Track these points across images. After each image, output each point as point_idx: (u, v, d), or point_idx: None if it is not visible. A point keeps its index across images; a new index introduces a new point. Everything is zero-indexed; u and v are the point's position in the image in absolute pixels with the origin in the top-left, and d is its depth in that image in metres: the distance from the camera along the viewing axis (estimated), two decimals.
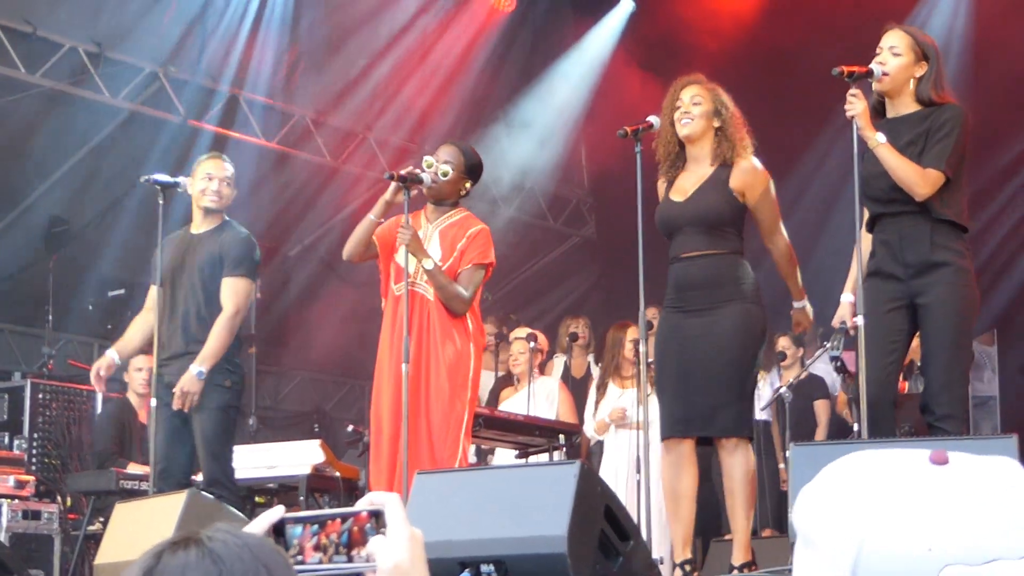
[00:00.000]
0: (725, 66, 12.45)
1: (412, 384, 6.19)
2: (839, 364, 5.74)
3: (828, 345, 5.82)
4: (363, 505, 1.82)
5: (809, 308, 6.00)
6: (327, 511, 1.83)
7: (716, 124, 5.80)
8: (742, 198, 5.75)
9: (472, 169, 6.51)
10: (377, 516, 1.79)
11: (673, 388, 5.64)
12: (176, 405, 6.56)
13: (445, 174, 6.36)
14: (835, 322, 5.81)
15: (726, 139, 5.78)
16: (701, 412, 5.66)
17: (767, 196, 5.79)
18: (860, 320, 5.31)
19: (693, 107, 5.79)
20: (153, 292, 6.95)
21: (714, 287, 5.70)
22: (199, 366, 6.59)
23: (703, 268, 5.72)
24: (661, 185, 5.91)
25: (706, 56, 12.78)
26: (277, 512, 1.82)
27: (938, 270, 5.45)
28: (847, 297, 5.76)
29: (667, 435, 5.71)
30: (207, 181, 6.86)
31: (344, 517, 1.80)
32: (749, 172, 5.77)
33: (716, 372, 5.64)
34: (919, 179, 5.42)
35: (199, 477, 6.98)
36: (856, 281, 5.69)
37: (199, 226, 6.93)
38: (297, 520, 1.81)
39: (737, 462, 5.68)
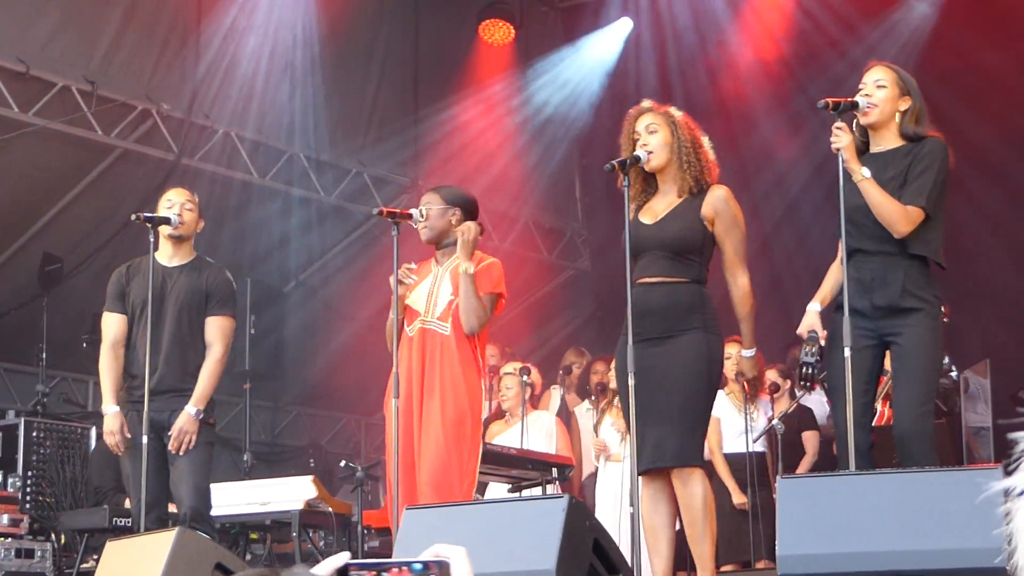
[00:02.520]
0: (724, 98, 12.56)
1: (429, 417, 6.28)
2: (808, 371, 5.65)
3: (802, 351, 5.74)
4: (428, 556, 1.82)
5: (754, 360, 5.97)
6: (392, 559, 1.84)
7: (674, 147, 5.82)
8: (711, 226, 5.77)
9: (455, 201, 6.54)
10: (442, 567, 1.79)
11: (634, 420, 5.62)
12: (173, 447, 6.56)
13: (425, 214, 6.44)
14: (802, 330, 5.76)
15: (686, 163, 5.80)
16: (654, 442, 5.65)
17: (736, 226, 5.78)
18: (847, 352, 5.31)
19: (650, 136, 5.82)
20: (110, 320, 6.90)
21: (671, 315, 5.68)
22: (195, 406, 6.63)
23: (662, 295, 5.72)
24: (631, 211, 5.90)
25: (705, 88, 12.87)
26: (342, 557, 1.83)
27: (908, 315, 5.48)
28: (814, 306, 5.75)
29: (640, 469, 5.69)
30: (168, 209, 6.89)
31: (409, 565, 1.81)
32: (721, 200, 5.79)
33: (669, 401, 5.63)
34: (900, 216, 5.44)
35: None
36: (827, 294, 5.72)
37: (171, 258, 6.93)
38: (362, 567, 1.82)
39: (693, 492, 5.64)
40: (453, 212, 6.53)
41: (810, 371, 5.68)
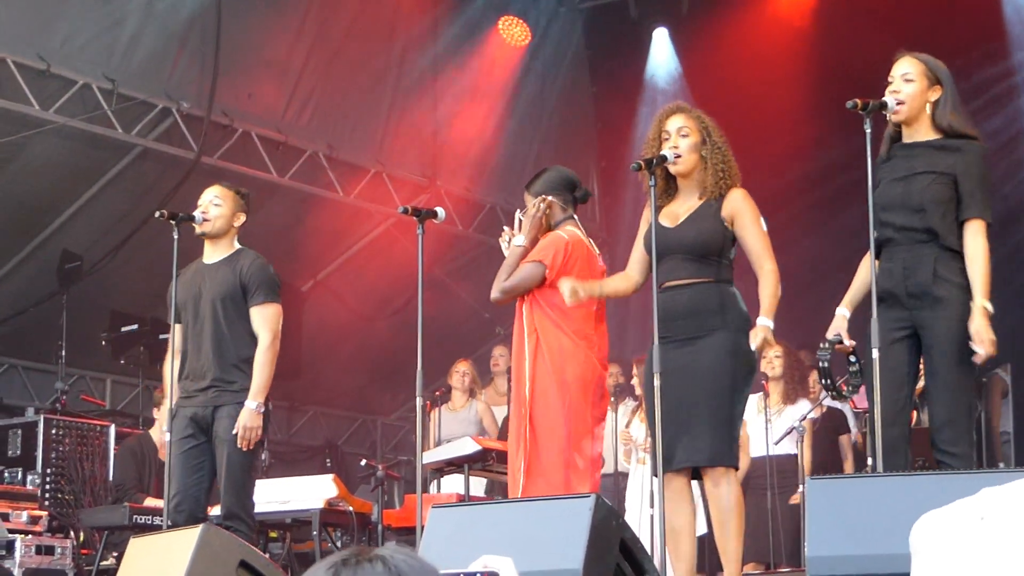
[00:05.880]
0: (753, 101, 12.52)
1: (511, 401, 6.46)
2: (825, 368, 5.60)
3: (818, 353, 5.70)
4: (478, 567, 1.83)
5: (768, 329, 5.68)
6: (445, 572, 1.86)
7: (704, 153, 5.80)
8: (731, 225, 5.76)
9: (541, 190, 6.51)
10: None
11: (659, 420, 5.58)
12: (242, 445, 6.56)
13: (519, 222, 6.45)
14: (829, 333, 5.72)
15: (715, 169, 5.79)
16: (684, 443, 5.62)
17: (755, 223, 5.75)
18: (875, 354, 5.27)
19: (681, 139, 5.80)
20: (176, 331, 6.94)
21: (699, 316, 5.68)
22: (254, 400, 6.63)
23: (689, 297, 5.71)
24: (647, 212, 5.88)
25: (737, 93, 12.85)
26: None
27: (940, 303, 5.42)
28: (843, 311, 5.68)
29: (669, 468, 5.64)
30: (199, 210, 6.90)
31: None
32: (739, 200, 5.78)
33: (698, 401, 5.61)
34: (986, 255, 5.42)
35: (215, 510, 6.96)
36: (854, 298, 5.66)
37: (210, 256, 6.95)
38: None
39: (723, 492, 5.62)
40: (543, 201, 6.48)
41: (826, 371, 5.63)
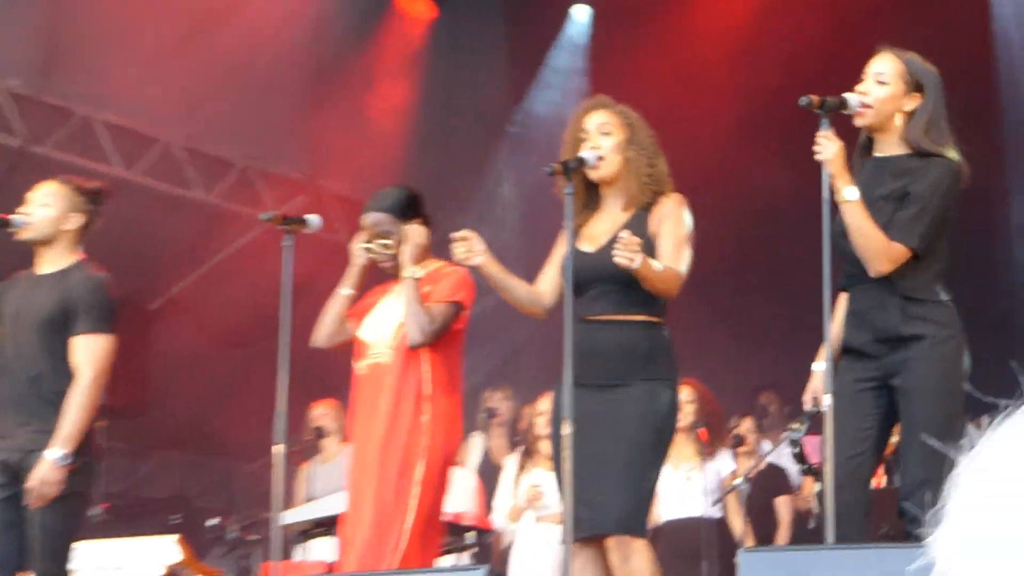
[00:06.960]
0: (692, 96, 12.58)
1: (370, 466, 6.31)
2: (798, 452, 5.63)
3: (791, 427, 5.70)
4: None
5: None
6: None
7: (629, 155, 5.76)
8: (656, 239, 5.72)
9: (408, 212, 6.55)
10: None
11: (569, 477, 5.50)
12: (31, 502, 6.37)
13: (387, 246, 6.41)
14: (806, 400, 5.67)
15: (638, 174, 5.75)
16: (592, 505, 5.56)
17: (677, 224, 5.72)
18: (827, 399, 5.24)
19: (602, 138, 5.77)
20: None
21: (620, 360, 5.64)
22: (60, 449, 6.37)
23: (612, 335, 5.68)
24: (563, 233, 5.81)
25: (668, 84, 12.91)
26: None
27: (912, 345, 5.38)
28: (819, 366, 5.59)
29: (577, 536, 5.55)
30: (22, 210, 6.76)
31: None
32: (668, 206, 5.75)
33: (609, 461, 5.56)
34: (881, 253, 5.36)
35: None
36: (832, 347, 5.59)
37: (41, 267, 6.78)
38: None
39: (635, 568, 5.55)
40: (421, 225, 6.55)
41: (800, 452, 5.63)
